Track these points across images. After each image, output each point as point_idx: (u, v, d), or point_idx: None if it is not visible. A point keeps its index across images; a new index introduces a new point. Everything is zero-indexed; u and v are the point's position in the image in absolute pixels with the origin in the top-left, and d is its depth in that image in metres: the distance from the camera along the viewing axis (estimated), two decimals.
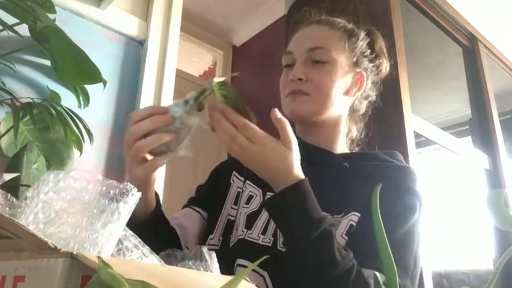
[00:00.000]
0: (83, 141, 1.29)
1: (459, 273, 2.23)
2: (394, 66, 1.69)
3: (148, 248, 0.40)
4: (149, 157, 0.62)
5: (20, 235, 0.30)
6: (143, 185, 0.63)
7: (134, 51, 1.67)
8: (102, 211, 0.38)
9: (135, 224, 0.55)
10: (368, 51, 0.85)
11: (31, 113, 1.12)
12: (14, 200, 0.38)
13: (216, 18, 2.55)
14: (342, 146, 0.85)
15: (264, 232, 0.73)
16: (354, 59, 0.82)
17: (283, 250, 0.69)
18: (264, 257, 0.29)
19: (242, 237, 0.74)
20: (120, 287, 0.20)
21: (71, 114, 1.27)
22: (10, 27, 1.13)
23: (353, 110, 0.87)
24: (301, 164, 0.65)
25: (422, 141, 1.97)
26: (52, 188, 0.38)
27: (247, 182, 0.82)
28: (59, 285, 0.26)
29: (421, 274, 1.35)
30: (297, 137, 0.83)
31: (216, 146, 2.20)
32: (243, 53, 2.69)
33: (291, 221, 0.60)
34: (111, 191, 0.39)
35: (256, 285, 0.38)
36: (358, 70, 0.83)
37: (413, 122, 1.68)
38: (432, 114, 2.77)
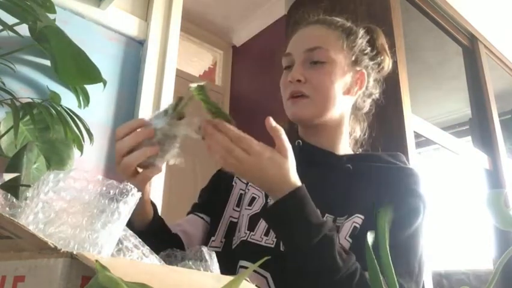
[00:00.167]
0: (83, 141, 1.28)
1: (459, 273, 2.23)
2: (394, 66, 1.70)
3: (148, 248, 0.40)
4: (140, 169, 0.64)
5: (20, 235, 0.30)
6: None
7: (134, 51, 1.67)
8: (102, 211, 0.38)
9: (135, 232, 0.55)
10: (368, 48, 0.85)
11: (31, 113, 1.12)
12: (14, 200, 0.38)
13: (216, 18, 2.55)
14: (345, 147, 0.84)
15: (266, 233, 0.73)
16: (353, 58, 0.82)
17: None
18: (266, 258, 0.29)
19: (245, 239, 0.74)
20: None
21: (71, 114, 1.27)
22: (10, 27, 1.13)
23: (356, 108, 0.87)
24: (303, 165, 0.65)
25: (422, 141, 1.97)
26: (52, 188, 0.38)
27: (250, 184, 0.82)
28: (59, 285, 0.26)
29: None
30: (300, 139, 0.83)
31: None
32: (243, 53, 2.69)
33: (291, 228, 0.60)
34: (111, 191, 0.39)
35: (257, 286, 0.37)
36: (358, 69, 0.82)
37: (413, 122, 1.68)
38: (432, 114, 2.77)
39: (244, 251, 0.73)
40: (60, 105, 1.28)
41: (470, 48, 2.41)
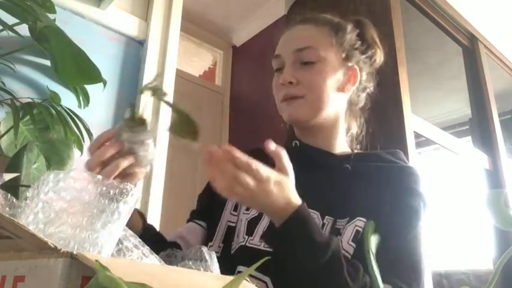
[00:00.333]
0: (83, 141, 1.28)
1: (459, 273, 2.23)
2: (394, 66, 1.70)
3: (148, 248, 0.40)
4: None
5: (20, 235, 0.30)
6: None
7: (134, 51, 1.67)
8: (102, 211, 0.38)
9: None
10: (359, 42, 0.83)
11: (31, 113, 1.12)
12: (14, 200, 0.38)
13: (216, 18, 2.55)
14: (342, 145, 0.83)
15: None
16: (344, 54, 0.80)
17: None
18: (265, 258, 0.29)
19: (243, 243, 0.73)
20: None
21: (71, 114, 1.27)
22: (10, 27, 1.13)
23: (351, 104, 0.85)
24: (301, 166, 0.64)
25: (422, 141, 1.97)
26: (52, 188, 0.38)
27: None
28: (59, 285, 0.26)
29: None
30: (297, 139, 0.83)
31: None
32: (243, 53, 2.69)
33: (296, 250, 0.59)
34: (111, 191, 0.39)
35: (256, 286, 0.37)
36: (350, 64, 0.81)
37: (413, 122, 1.68)
38: (432, 114, 2.77)
39: (242, 256, 0.72)
40: (60, 105, 1.28)
41: (470, 48, 2.41)
